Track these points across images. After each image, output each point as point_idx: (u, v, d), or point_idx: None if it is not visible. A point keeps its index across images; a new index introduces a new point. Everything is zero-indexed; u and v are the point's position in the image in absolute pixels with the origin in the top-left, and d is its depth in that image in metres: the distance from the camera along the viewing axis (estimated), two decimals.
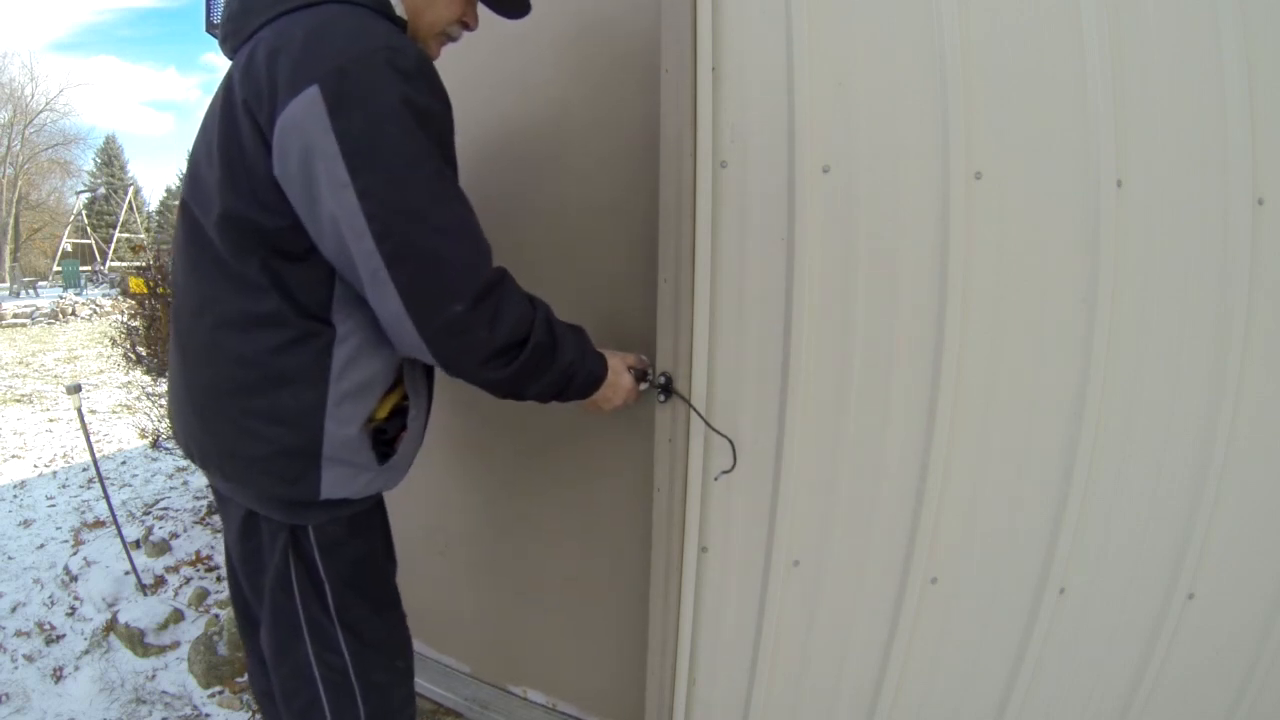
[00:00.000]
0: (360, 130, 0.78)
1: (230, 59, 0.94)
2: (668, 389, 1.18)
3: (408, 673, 1.16)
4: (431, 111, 0.83)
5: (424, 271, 0.82)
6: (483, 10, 1.07)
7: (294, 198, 0.83)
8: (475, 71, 1.43)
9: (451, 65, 1.41)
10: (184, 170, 1.02)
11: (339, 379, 0.91)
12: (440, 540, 1.71)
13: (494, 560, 1.64)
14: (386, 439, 0.99)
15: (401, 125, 0.79)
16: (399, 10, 0.93)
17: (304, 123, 0.78)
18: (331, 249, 0.85)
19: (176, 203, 1.12)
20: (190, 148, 0.98)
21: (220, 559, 2.52)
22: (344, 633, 1.03)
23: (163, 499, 3.08)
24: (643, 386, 1.21)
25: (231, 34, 0.93)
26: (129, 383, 4.13)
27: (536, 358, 0.91)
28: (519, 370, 0.90)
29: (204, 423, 0.96)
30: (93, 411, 5.08)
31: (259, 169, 0.83)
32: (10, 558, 2.66)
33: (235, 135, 0.84)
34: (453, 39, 1.05)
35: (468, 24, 1.05)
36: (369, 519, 1.06)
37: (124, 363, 3.62)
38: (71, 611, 2.24)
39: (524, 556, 1.59)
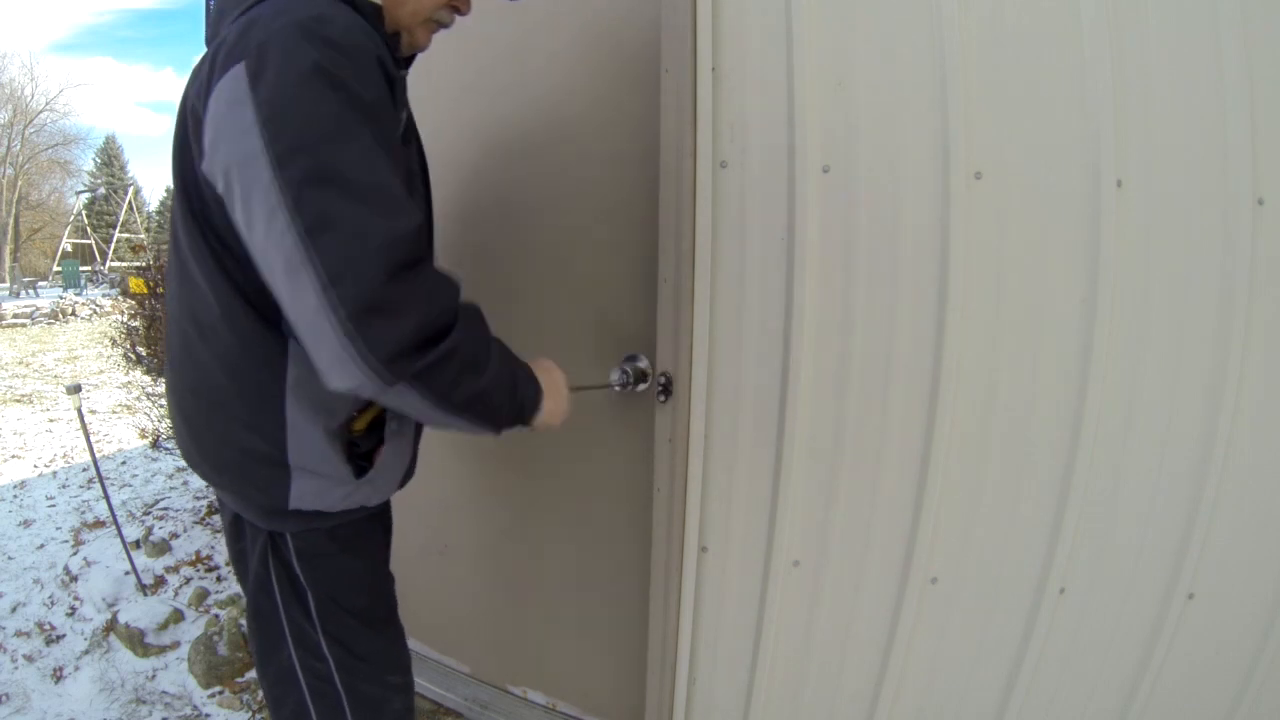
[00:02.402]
0: (275, 96, 0.71)
1: None
2: (667, 389, 1.18)
3: (403, 689, 1.11)
4: (349, 79, 0.75)
5: (347, 245, 0.71)
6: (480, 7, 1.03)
7: (222, 188, 0.77)
8: (477, 76, 1.43)
9: (452, 69, 1.41)
10: None
11: (295, 386, 0.88)
12: (440, 540, 1.71)
13: (494, 560, 1.65)
14: (360, 452, 0.95)
15: (317, 90, 0.72)
16: None
17: (226, 100, 0.73)
18: (247, 237, 0.76)
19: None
20: None
21: (220, 559, 2.52)
22: (328, 641, 1.00)
23: (163, 499, 3.08)
24: (641, 387, 1.21)
25: (209, 40, 0.91)
26: (129, 383, 4.13)
27: (475, 333, 0.82)
28: (460, 350, 0.78)
29: (187, 425, 0.96)
30: (93, 411, 5.08)
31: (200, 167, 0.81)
32: (10, 558, 2.66)
33: (185, 137, 0.83)
34: (444, 25, 0.98)
35: (458, 8, 0.97)
36: (356, 532, 1.01)
37: (124, 363, 3.62)
38: (71, 611, 2.24)
39: (523, 556, 1.59)
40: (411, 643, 1.40)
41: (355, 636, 1.02)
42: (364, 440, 0.95)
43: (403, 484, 1.05)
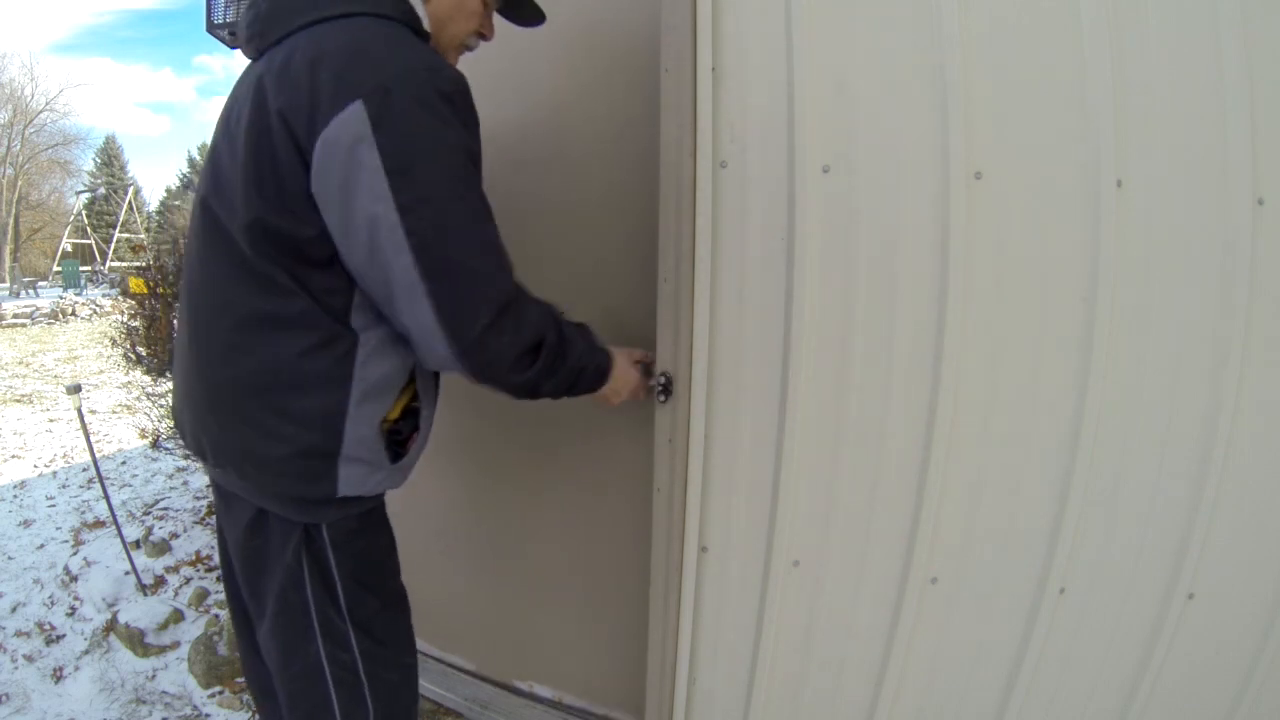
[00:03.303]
0: (402, 147, 0.81)
1: (253, 59, 0.95)
2: (667, 389, 1.18)
3: (414, 670, 1.16)
4: (467, 131, 0.87)
5: (459, 286, 0.85)
6: (498, 20, 1.10)
7: (328, 211, 0.85)
8: (468, 74, 1.43)
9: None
10: (201, 167, 1.02)
11: (360, 380, 0.93)
12: (446, 540, 1.71)
13: (498, 558, 1.65)
14: (399, 439, 1.01)
15: (442, 144, 0.83)
16: (425, 25, 0.95)
17: (347, 138, 0.80)
18: (360, 263, 0.87)
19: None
20: (210, 145, 0.99)
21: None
22: (355, 630, 1.04)
23: (163, 499, 3.08)
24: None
25: (258, 35, 0.93)
26: (129, 383, 4.13)
27: (552, 356, 0.95)
28: (540, 369, 0.94)
29: (221, 422, 0.96)
30: (93, 411, 5.08)
31: (291, 180, 0.84)
32: (10, 558, 2.66)
33: (268, 144, 0.84)
34: (470, 49, 1.08)
35: (484, 34, 1.08)
36: (377, 516, 1.08)
37: (124, 363, 3.61)
38: (71, 611, 2.24)
39: (528, 553, 1.60)
40: (419, 644, 1.43)
41: (377, 621, 1.07)
42: (403, 426, 1.01)
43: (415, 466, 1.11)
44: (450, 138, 0.84)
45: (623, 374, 1.11)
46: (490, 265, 0.88)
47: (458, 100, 0.86)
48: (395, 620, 1.12)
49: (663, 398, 1.18)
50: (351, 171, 0.81)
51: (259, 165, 0.85)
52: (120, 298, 4.70)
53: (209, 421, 0.98)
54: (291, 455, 0.93)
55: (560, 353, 0.97)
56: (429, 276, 0.83)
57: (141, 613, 2.12)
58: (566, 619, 1.58)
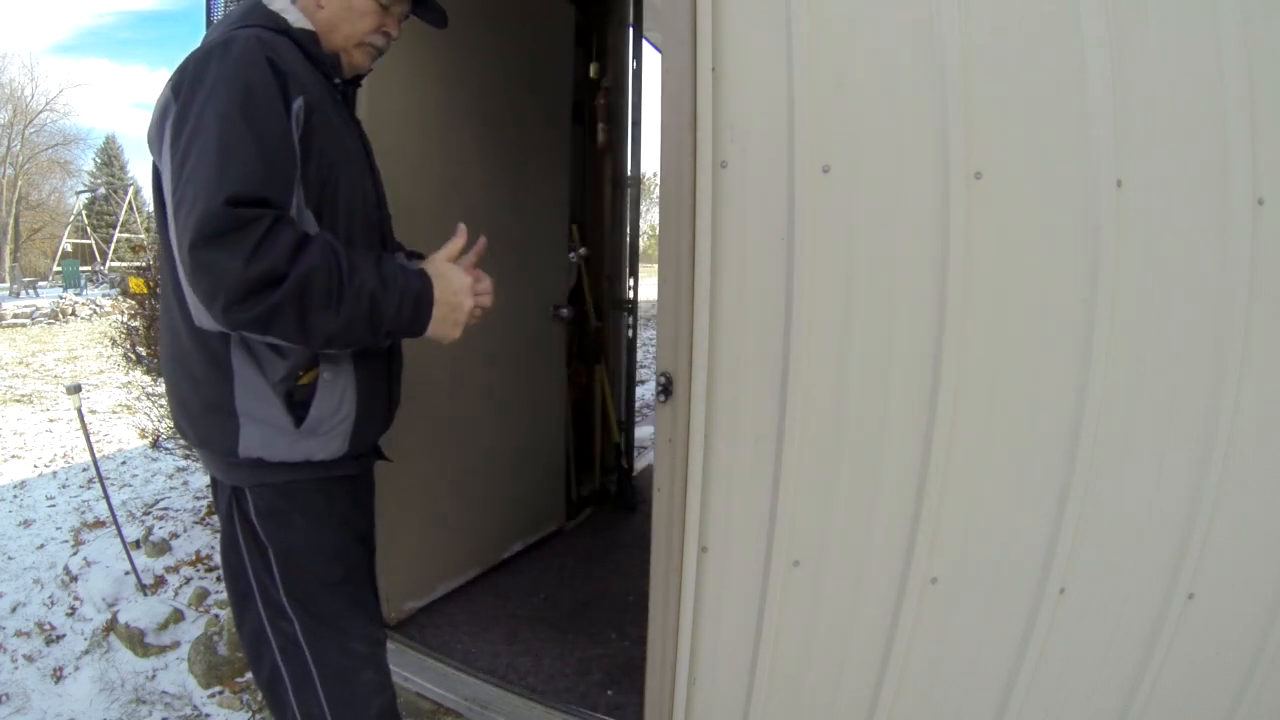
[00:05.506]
0: (185, 98, 0.88)
1: None
2: (668, 389, 1.18)
3: (371, 661, 1.13)
4: (242, 84, 0.87)
5: (192, 190, 0.83)
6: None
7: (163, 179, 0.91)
8: (477, 75, 1.43)
9: (443, 74, 1.41)
10: None
11: (238, 341, 0.96)
12: (473, 482, 2.22)
13: (492, 479, 2.28)
14: (296, 400, 0.99)
15: (214, 84, 0.86)
16: (299, 23, 0.99)
17: (158, 105, 0.91)
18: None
19: None
20: None
21: (220, 559, 2.52)
22: (291, 603, 1.05)
23: (163, 499, 3.09)
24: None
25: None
26: (129, 383, 4.12)
27: (310, 283, 0.84)
28: (282, 303, 0.83)
29: (172, 390, 1.06)
30: (93, 411, 5.08)
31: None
32: (10, 558, 2.66)
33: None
34: (379, 49, 1.09)
35: (389, 33, 1.08)
36: (310, 493, 1.04)
37: (124, 363, 3.61)
38: (71, 611, 2.24)
39: (511, 468, 2.36)
40: (450, 582, 2.01)
41: (315, 599, 1.07)
42: (299, 391, 1.00)
43: (357, 443, 1.05)
44: (224, 87, 0.86)
45: (447, 292, 0.98)
46: (227, 170, 0.82)
47: (241, 60, 0.88)
48: (341, 603, 1.09)
49: (663, 398, 1.18)
50: (163, 133, 0.91)
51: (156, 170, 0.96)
52: (120, 298, 4.70)
53: (170, 394, 1.08)
54: (201, 412, 1.00)
55: (329, 279, 0.86)
56: (184, 185, 0.84)
57: (141, 613, 2.12)
58: (517, 488, 2.38)
